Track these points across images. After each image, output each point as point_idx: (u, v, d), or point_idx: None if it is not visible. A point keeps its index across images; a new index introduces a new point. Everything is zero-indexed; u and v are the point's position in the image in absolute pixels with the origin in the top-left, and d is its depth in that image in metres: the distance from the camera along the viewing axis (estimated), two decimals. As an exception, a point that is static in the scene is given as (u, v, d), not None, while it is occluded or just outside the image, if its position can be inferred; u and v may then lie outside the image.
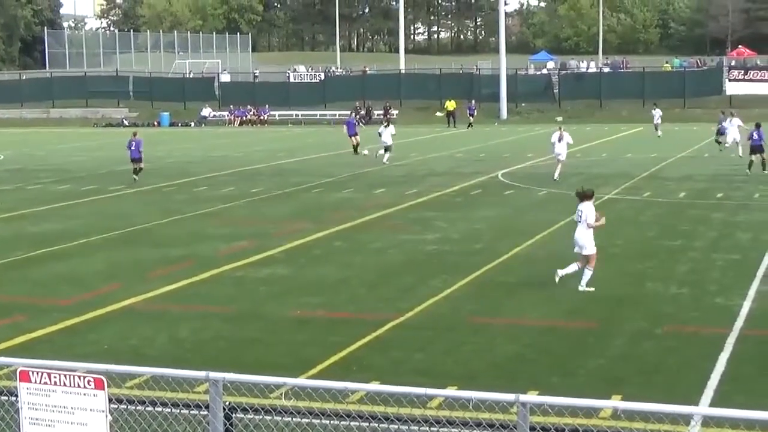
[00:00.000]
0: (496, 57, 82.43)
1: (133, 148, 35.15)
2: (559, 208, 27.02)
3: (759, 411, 6.21)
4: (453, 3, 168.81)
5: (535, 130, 63.00)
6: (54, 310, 16.19)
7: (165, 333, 14.81)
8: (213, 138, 61.81)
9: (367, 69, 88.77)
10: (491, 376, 12.41)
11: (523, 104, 75.89)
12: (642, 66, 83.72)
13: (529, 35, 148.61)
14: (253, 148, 51.88)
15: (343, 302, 16.66)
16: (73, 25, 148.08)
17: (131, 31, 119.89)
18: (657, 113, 54.63)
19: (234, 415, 7.24)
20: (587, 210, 16.96)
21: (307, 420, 7.38)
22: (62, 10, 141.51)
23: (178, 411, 7.56)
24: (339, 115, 74.03)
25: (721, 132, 45.20)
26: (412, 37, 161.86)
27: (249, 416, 7.45)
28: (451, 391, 9.78)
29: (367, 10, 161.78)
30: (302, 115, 77.34)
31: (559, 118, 66.60)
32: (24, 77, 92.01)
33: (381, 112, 71.90)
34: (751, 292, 16.82)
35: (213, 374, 6.90)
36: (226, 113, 78.79)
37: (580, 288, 16.89)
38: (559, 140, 34.02)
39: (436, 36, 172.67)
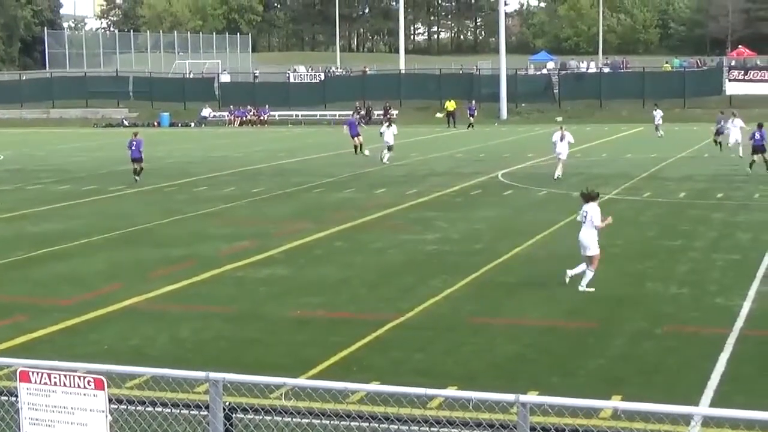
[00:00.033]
0: (496, 57, 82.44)
1: (133, 148, 35.20)
2: (560, 208, 27.04)
3: (759, 411, 6.21)
4: (453, 3, 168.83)
5: (535, 130, 63.02)
6: (55, 310, 16.20)
7: (166, 333, 14.82)
8: (213, 138, 61.83)
9: (367, 69, 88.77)
10: (491, 377, 12.41)
11: (523, 104, 75.89)
12: (642, 66, 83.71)
13: (529, 35, 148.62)
14: (253, 149, 51.89)
15: (344, 302, 16.67)
16: (73, 25, 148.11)
17: (131, 31, 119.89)
18: (658, 114, 54.62)
19: (234, 415, 7.24)
20: (593, 211, 16.97)
21: (307, 420, 7.39)
22: (62, 11, 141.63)
23: (178, 411, 7.56)
24: (339, 115, 74.08)
25: (720, 132, 45.23)
26: (412, 37, 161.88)
27: (249, 416, 7.45)
28: (451, 392, 9.79)
29: (367, 11, 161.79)
30: (302, 116, 77.34)
31: (559, 119, 66.61)
32: (24, 77, 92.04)
33: (381, 112, 71.95)
34: (751, 293, 16.83)
35: (213, 374, 6.91)
36: (226, 113, 78.80)
37: (580, 288, 16.90)
38: (561, 139, 34.04)
39: (436, 36, 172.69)
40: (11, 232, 24.68)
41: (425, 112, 75.06)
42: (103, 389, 6.79)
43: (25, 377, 6.97)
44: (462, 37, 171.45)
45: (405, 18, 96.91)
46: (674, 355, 13.33)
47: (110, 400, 6.94)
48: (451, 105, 69.26)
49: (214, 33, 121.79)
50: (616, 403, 9.13)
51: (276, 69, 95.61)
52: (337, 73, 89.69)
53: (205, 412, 7.04)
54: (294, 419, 7.56)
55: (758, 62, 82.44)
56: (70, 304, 16.69)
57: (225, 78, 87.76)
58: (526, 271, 19.03)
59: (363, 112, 72.75)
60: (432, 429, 7.15)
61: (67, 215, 27.50)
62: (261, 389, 10.02)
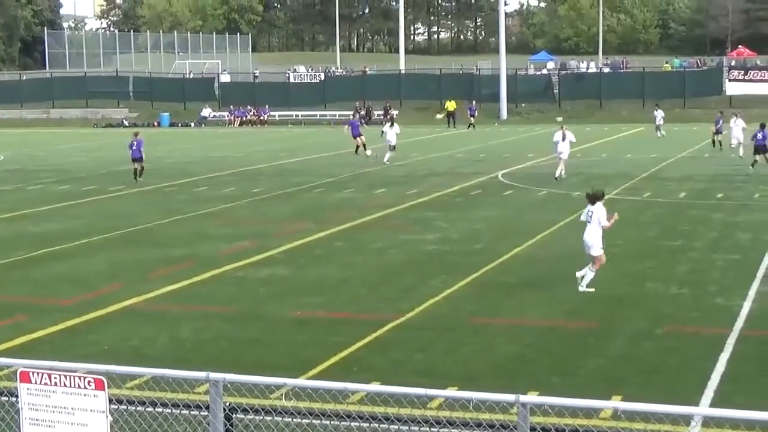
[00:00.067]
0: (496, 57, 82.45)
1: (134, 148, 35.26)
2: (560, 208, 27.05)
3: (759, 411, 6.21)
4: (453, 3, 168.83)
5: (535, 130, 63.03)
6: (55, 311, 16.20)
7: (166, 333, 14.82)
8: (213, 138, 61.83)
9: (367, 69, 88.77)
10: (491, 377, 12.41)
11: (523, 104, 75.90)
12: (642, 66, 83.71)
13: (529, 35, 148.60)
14: (253, 149, 51.90)
15: (344, 302, 16.67)
16: (73, 25, 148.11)
17: (131, 31, 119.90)
18: (659, 114, 54.60)
19: (234, 415, 7.25)
20: (599, 211, 16.97)
21: (307, 420, 7.39)
22: (62, 11, 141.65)
23: (179, 411, 7.56)
24: (339, 115, 74.11)
25: (718, 132, 45.26)
26: (412, 37, 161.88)
27: (249, 417, 7.45)
28: (452, 392, 9.79)
29: (367, 11, 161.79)
30: (302, 116, 77.34)
31: (559, 119, 66.55)
32: (24, 77, 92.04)
33: (381, 112, 71.97)
34: (752, 293, 16.83)
35: (213, 375, 6.91)
36: (226, 113, 78.80)
37: (581, 288, 16.90)
38: (563, 139, 34.06)
39: (436, 36, 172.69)
40: (12, 232, 24.68)
41: (425, 112, 75.06)
42: (104, 389, 6.79)
43: (26, 377, 6.97)
44: (462, 37, 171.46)
45: (405, 18, 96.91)
46: (674, 355, 13.33)
47: (110, 401, 6.94)
48: (451, 105, 69.27)
49: (214, 33, 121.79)
50: (616, 403, 9.13)
51: (276, 69, 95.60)
52: (337, 73, 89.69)
53: (206, 413, 7.05)
54: (294, 419, 7.56)
55: (758, 62, 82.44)
56: (71, 304, 16.69)
57: (225, 78, 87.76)
58: (526, 271, 19.03)
59: (363, 113, 72.72)
60: (432, 429, 7.15)
61: (67, 215, 27.51)
62: (261, 389, 10.02)
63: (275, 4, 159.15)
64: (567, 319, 15.39)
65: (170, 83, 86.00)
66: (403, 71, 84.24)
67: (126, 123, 76.00)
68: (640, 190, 30.81)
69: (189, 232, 24.31)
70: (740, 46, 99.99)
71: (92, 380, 6.81)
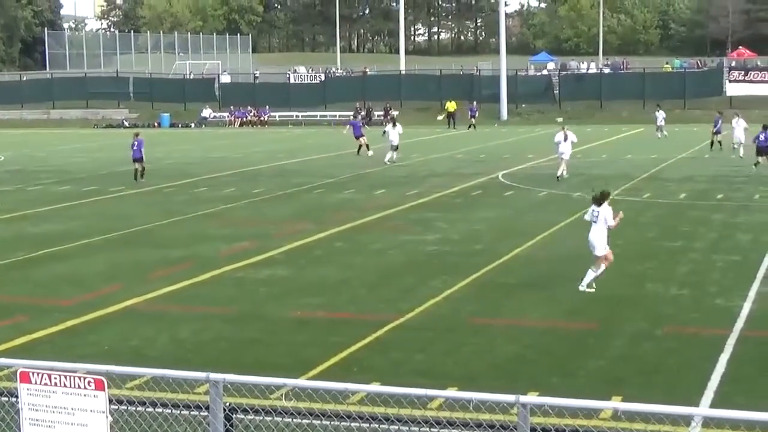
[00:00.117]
0: (496, 58, 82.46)
1: (134, 148, 35.32)
2: (560, 209, 27.07)
3: (759, 412, 6.21)
4: (453, 4, 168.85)
5: (535, 131, 63.04)
6: (55, 311, 16.20)
7: (166, 334, 14.82)
8: (213, 139, 61.83)
9: (367, 70, 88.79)
10: (491, 377, 12.41)
11: (523, 105, 75.89)
12: (642, 67, 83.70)
13: (529, 36, 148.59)
14: (253, 149, 51.90)
15: (344, 303, 16.67)
16: (73, 26, 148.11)
17: (131, 32, 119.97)
18: (660, 115, 54.60)
19: (234, 416, 7.24)
20: (605, 211, 17.00)
21: (307, 421, 7.39)
22: (62, 11, 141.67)
23: (179, 412, 7.56)
24: (339, 116, 74.11)
25: (718, 132, 45.28)
26: (412, 38, 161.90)
27: (249, 417, 7.45)
28: (452, 392, 9.79)
29: (367, 11, 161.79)
30: (302, 116, 77.34)
31: (560, 119, 66.60)
32: (24, 78, 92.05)
33: (381, 112, 71.98)
34: (752, 294, 16.83)
35: (213, 375, 6.91)
36: (226, 114, 78.80)
37: (581, 288, 16.91)
38: (565, 139, 34.08)
39: (436, 37, 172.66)
40: (12, 233, 24.68)
41: (425, 113, 75.05)
42: (104, 390, 6.79)
43: (26, 378, 6.97)
44: (462, 37, 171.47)
45: (405, 19, 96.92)
46: (674, 355, 13.33)
47: (110, 401, 6.94)
48: (451, 106, 69.26)
49: (214, 34, 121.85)
50: (617, 403, 9.12)
51: (276, 70, 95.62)
52: (337, 74, 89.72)
53: (206, 413, 7.04)
54: (294, 420, 7.56)
55: (758, 63, 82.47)
56: (71, 304, 16.69)
57: (225, 79, 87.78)
58: (526, 271, 19.04)
59: (363, 113, 72.72)
60: (432, 430, 7.15)
61: (67, 216, 27.51)
62: (261, 390, 10.02)
63: (275, 5, 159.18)
64: (567, 319, 15.39)
65: (170, 84, 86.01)
66: (403, 72, 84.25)
67: (126, 124, 75.99)
68: (641, 191, 30.81)
69: (189, 232, 24.31)
70: (740, 46, 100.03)
71: (92, 380, 6.81)
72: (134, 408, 7.68)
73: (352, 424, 7.27)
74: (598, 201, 17.14)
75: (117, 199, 31.40)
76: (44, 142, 60.57)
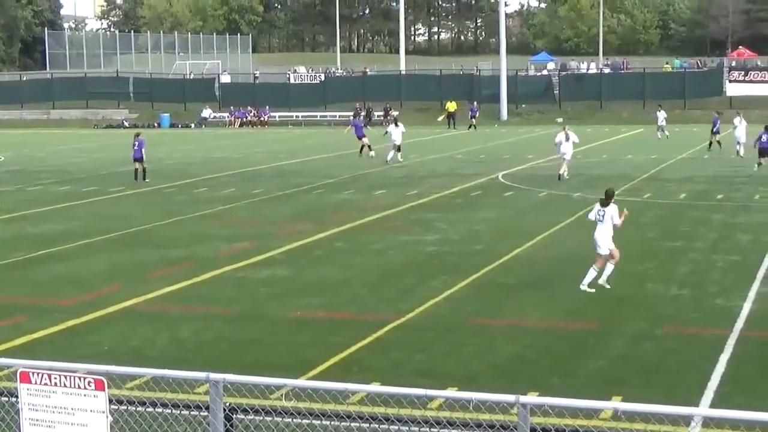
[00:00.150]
0: (496, 58, 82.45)
1: (136, 147, 35.35)
2: (560, 209, 27.08)
3: (759, 412, 6.22)
4: (453, 4, 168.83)
5: (535, 131, 63.03)
6: (55, 311, 16.21)
7: (166, 334, 14.82)
8: (213, 139, 61.83)
9: (367, 70, 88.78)
10: (491, 377, 12.41)
11: (523, 105, 75.88)
12: (642, 67, 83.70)
13: (529, 36, 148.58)
14: (253, 150, 51.90)
15: (344, 303, 16.67)
16: (73, 26, 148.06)
17: (132, 32, 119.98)
18: (661, 115, 54.60)
19: (234, 416, 7.25)
20: (611, 211, 17.07)
21: (307, 421, 7.39)
22: (63, 11, 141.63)
23: (179, 412, 7.56)
24: (339, 116, 74.10)
25: (716, 132, 45.28)
26: (412, 38, 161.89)
27: (249, 417, 7.45)
28: (452, 392, 9.79)
29: (367, 11, 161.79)
30: (302, 117, 77.33)
31: (560, 119, 66.60)
32: (24, 78, 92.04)
33: (381, 113, 71.97)
34: (752, 294, 16.84)
35: (213, 375, 6.91)
36: (226, 114, 78.78)
37: (581, 287, 16.92)
38: (567, 139, 34.10)
39: (436, 37, 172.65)
40: (12, 233, 24.68)
41: (425, 113, 75.00)
42: (104, 390, 6.79)
43: (26, 378, 6.97)
44: (462, 37, 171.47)
45: (405, 19, 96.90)
46: (674, 355, 13.33)
47: (110, 401, 6.94)
48: (451, 106, 69.21)
49: (214, 34, 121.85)
50: (617, 404, 9.13)
51: (276, 70, 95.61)
52: (337, 74, 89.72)
53: (206, 413, 7.04)
54: (294, 420, 7.56)
55: (758, 63, 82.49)
56: (70, 305, 16.69)
57: (225, 79, 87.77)
58: (526, 272, 19.04)
59: (363, 113, 72.70)
60: (432, 430, 7.15)
61: (67, 216, 27.51)
62: (261, 390, 10.02)
63: (275, 5, 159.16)
64: (567, 319, 15.39)
65: (170, 84, 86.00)
66: (403, 72, 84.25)
67: (126, 124, 75.98)
68: (641, 191, 30.81)
69: (189, 233, 24.31)
70: (740, 46, 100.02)
71: (92, 381, 6.81)
72: (134, 408, 7.68)
73: (352, 425, 7.28)
74: (605, 202, 17.21)
75: (117, 199, 31.40)
76: (44, 143, 60.57)
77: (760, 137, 36.39)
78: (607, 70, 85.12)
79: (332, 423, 7.34)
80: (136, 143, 35.39)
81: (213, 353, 13.70)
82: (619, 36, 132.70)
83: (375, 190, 32.40)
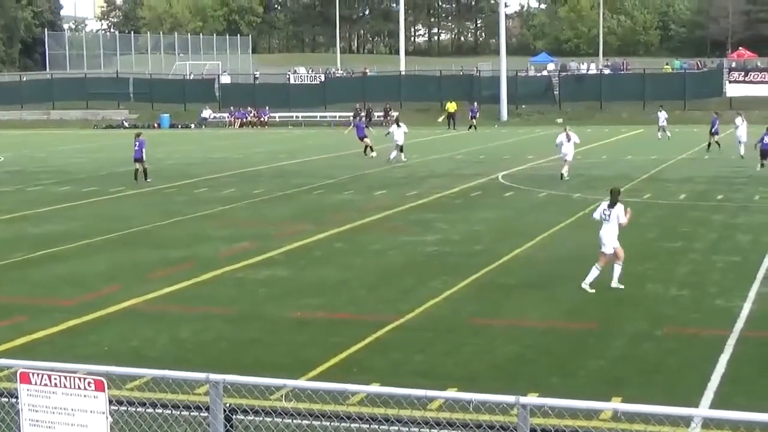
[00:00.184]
0: (496, 59, 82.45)
1: (136, 148, 35.36)
2: (560, 209, 27.08)
3: (759, 413, 6.21)
4: (453, 5, 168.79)
5: (535, 131, 63.03)
6: (55, 311, 16.20)
7: (166, 334, 14.82)
8: (213, 140, 61.83)
9: (367, 70, 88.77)
10: (491, 378, 12.41)
11: (523, 106, 75.89)
12: (642, 68, 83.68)
13: (529, 37, 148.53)
14: (253, 150, 51.90)
15: (344, 303, 16.67)
16: (73, 26, 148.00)
17: (131, 32, 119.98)
18: (662, 115, 54.61)
19: (234, 416, 7.24)
20: (618, 210, 17.16)
21: (307, 422, 7.39)
22: (62, 12, 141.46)
23: (179, 413, 7.56)
24: (339, 116, 74.09)
25: (715, 133, 45.27)
26: (412, 38, 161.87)
27: (249, 418, 7.46)
28: (452, 393, 9.78)
29: (367, 12, 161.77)
30: (302, 117, 77.33)
31: (560, 120, 66.60)
32: (24, 79, 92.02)
33: (381, 113, 71.96)
34: (752, 294, 16.84)
35: (213, 376, 6.91)
36: (226, 115, 78.77)
37: (583, 285, 16.93)
38: (568, 140, 34.12)
39: (436, 38, 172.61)
40: (12, 234, 24.68)
41: (425, 114, 74.99)
42: (104, 390, 6.79)
43: (26, 378, 6.97)
44: (462, 38, 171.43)
45: (405, 19, 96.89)
46: (674, 356, 13.33)
47: (110, 402, 6.94)
48: (451, 106, 69.21)
49: (214, 34, 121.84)
50: (617, 404, 9.11)
51: (276, 70, 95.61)
52: (337, 75, 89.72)
53: (206, 414, 7.04)
54: (294, 420, 7.56)
55: (758, 64, 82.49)
56: (70, 305, 16.69)
57: (225, 79, 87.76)
58: (526, 272, 19.04)
59: (363, 114, 72.65)
60: (432, 431, 7.15)
61: (67, 216, 27.51)
62: (261, 390, 10.02)
63: (275, 6, 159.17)
64: (567, 320, 15.40)
65: (170, 84, 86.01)
66: (403, 73, 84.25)
67: (126, 124, 75.99)
68: (641, 192, 30.81)
69: (188, 233, 24.31)
70: (740, 47, 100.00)
71: (92, 381, 6.80)
72: (134, 409, 7.68)
73: (352, 425, 7.28)
74: (612, 202, 17.25)
75: (117, 199, 31.40)
76: (44, 143, 60.57)
77: (762, 139, 36.37)
78: (607, 71, 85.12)
79: (332, 424, 7.34)
80: (137, 143, 35.40)
81: (213, 353, 13.70)
82: (619, 37, 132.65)
83: (375, 191, 32.40)
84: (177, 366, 11.18)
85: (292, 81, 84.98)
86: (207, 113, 78.91)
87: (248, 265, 20.03)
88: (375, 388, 7.70)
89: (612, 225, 17.13)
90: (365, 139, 44.98)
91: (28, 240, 23.48)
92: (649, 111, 64.08)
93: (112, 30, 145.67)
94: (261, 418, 7.48)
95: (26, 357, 10.58)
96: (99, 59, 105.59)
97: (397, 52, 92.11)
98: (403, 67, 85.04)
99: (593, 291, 16.86)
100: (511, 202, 29.35)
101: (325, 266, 19.87)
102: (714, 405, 11.20)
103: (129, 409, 7.67)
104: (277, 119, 77.95)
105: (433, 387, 8.13)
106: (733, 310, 15.71)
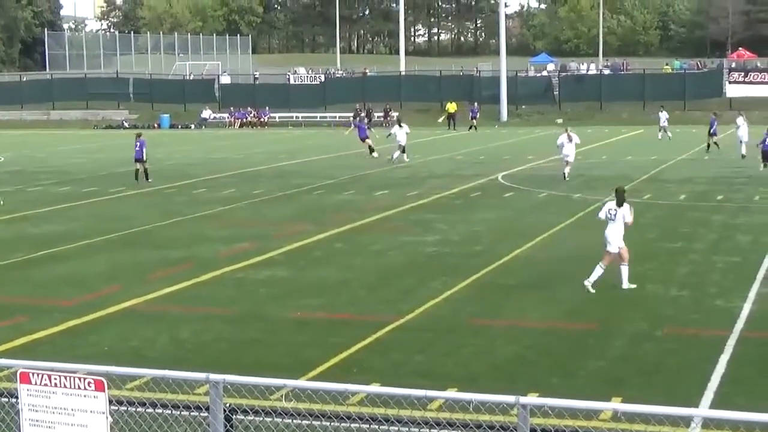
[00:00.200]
0: (496, 59, 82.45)
1: (137, 148, 35.37)
2: (560, 210, 27.09)
3: (759, 413, 6.21)
4: (453, 5, 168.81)
5: (535, 132, 63.02)
6: (55, 311, 16.21)
7: (166, 334, 14.82)
8: (213, 140, 61.82)
9: (367, 71, 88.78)
10: (491, 378, 12.41)
11: (523, 106, 75.87)
12: (642, 68, 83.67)
13: (529, 37, 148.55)
14: (253, 150, 51.90)
15: (344, 304, 16.67)
16: (73, 26, 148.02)
17: (131, 32, 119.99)
18: (663, 116, 54.60)
19: (234, 416, 7.24)
20: (624, 210, 17.24)
21: (307, 422, 7.39)
22: (62, 12, 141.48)
23: (179, 413, 7.56)
24: (339, 117, 74.09)
25: (714, 134, 45.27)
26: (412, 38, 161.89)
27: (249, 418, 7.46)
28: (452, 393, 9.78)
29: (367, 12, 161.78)
30: (302, 117, 77.31)
31: (560, 120, 66.61)
32: (24, 79, 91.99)
33: (381, 114, 71.93)
34: (752, 294, 16.84)
35: (213, 376, 6.91)
36: (226, 115, 78.75)
37: (585, 282, 16.94)
38: (569, 141, 34.12)
39: (436, 38, 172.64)
40: (12, 234, 24.69)
41: (425, 114, 74.97)
42: (104, 391, 6.79)
43: (26, 378, 6.97)
44: (462, 38, 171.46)
45: (405, 20, 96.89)
46: (674, 356, 13.33)
47: (110, 402, 6.94)
48: (452, 107, 69.19)
49: (214, 34, 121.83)
50: (617, 405, 9.11)
51: (276, 70, 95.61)
52: (337, 75, 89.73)
53: (206, 414, 7.04)
54: (294, 421, 7.56)
55: (758, 64, 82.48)
56: (71, 305, 16.70)
57: (225, 79, 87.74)
58: (526, 272, 19.04)
59: (363, 114, 72.62)
60: (432, 431, 7.15)
61: (67, 217, 27.51)
62: (261, 390, 10.02)
63: (275, 6, 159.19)
64: (567, 320, 15.40)
65: (170, 85, 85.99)
66: (403, 73, 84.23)
67: (126, 124, 75.97)
68: (641, 192, 30.79)
69: (188, 233, 24.31)
70: (740, 48, 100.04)
71: (92, 381, 6.81)
72: (134, 409, 7.68)
73: (352, 425, 7.28)
74: (619, 202, 17.27)
75: (117, 200, 31.40)
76: (44, 143, 60.56)
77: (764, 140, 36.36)
78: (607, 71, 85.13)
79: (332, 424, 7.34)
80: (138, 144, 35.40)
81: (213, 354, 13.71)
82: (619, 37, 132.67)
83: (375, 191, 32.40)
84: (177, 366, 11.18)
85: (292, 81, 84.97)
86: (207, 113, 78.88)
87: (248, 265, 20.03)
88: (375, 388, 7.70)
89: (618, 224, 17.17)
90: (366, 140, 45.02)
91: (28, 240, 23.48)
92: (649, 111, 64.08)
93: (112, 30, 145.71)
94: (261, 418, 7.48)
95: (26, 357, 10.59)
96: (99, 59, 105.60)
97: (397, 52, 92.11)
98: (403, 68, 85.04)
99: (594, 291, 16.85)
100: (511, 203, 29.35)
101: (325, 266, 19.87)
102: (714, 405, 11.20)
103: (129, 409, 7.67)
104: (277, 119, 77.92)
105: (433, 387, 8.13)
106: (733, 311, 15.71)
